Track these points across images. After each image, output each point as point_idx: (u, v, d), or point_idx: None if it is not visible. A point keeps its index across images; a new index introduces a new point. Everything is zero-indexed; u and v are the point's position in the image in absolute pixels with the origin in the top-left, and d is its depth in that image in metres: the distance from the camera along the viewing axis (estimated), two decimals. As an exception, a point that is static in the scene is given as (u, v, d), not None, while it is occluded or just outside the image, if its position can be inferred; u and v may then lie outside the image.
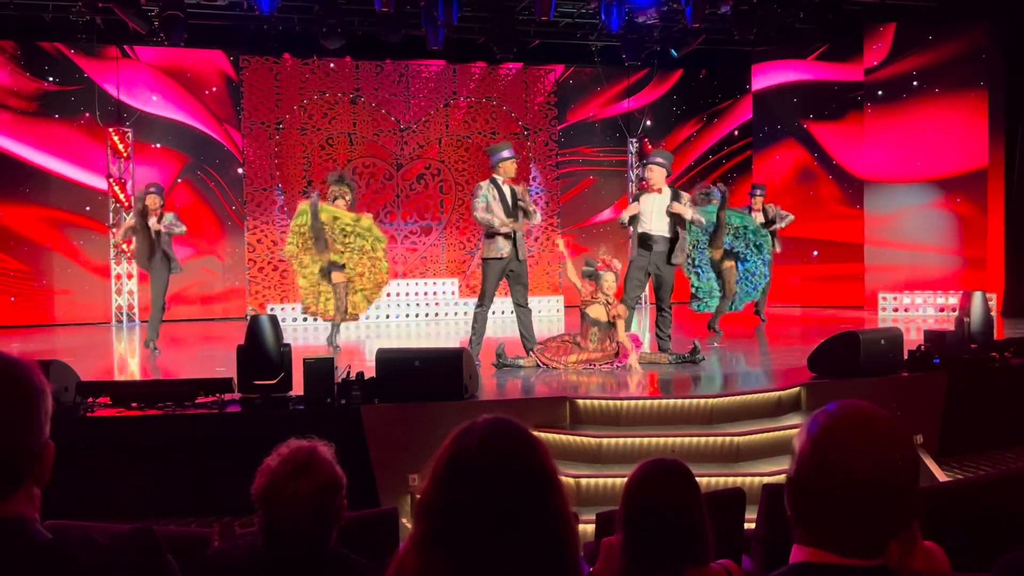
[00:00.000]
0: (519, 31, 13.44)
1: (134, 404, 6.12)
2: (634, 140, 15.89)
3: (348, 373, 6.21)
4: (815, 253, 14.57)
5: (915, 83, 13.26)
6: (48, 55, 13.35)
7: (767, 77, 15.22)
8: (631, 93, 15.88)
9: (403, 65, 14.78)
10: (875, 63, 13.60)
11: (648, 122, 15.94)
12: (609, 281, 8.02)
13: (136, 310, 13.65)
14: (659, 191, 8.39)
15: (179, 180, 13.94)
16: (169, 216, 9.72)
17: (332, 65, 14.48)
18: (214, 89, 14.15)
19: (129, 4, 11.11)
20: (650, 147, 15.79)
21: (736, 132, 16.26)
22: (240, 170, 14.27)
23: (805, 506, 1.39)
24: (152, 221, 9.57)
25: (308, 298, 9.46)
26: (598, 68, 15.40)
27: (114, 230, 13.30)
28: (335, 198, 9.40)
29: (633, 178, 15.98)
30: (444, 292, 14.49)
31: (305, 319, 12.91)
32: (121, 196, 13.32)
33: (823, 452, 1.38)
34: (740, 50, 14.86)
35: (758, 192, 11.15)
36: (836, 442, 1.38)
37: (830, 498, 1.36)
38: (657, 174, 8.43)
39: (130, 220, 9.66)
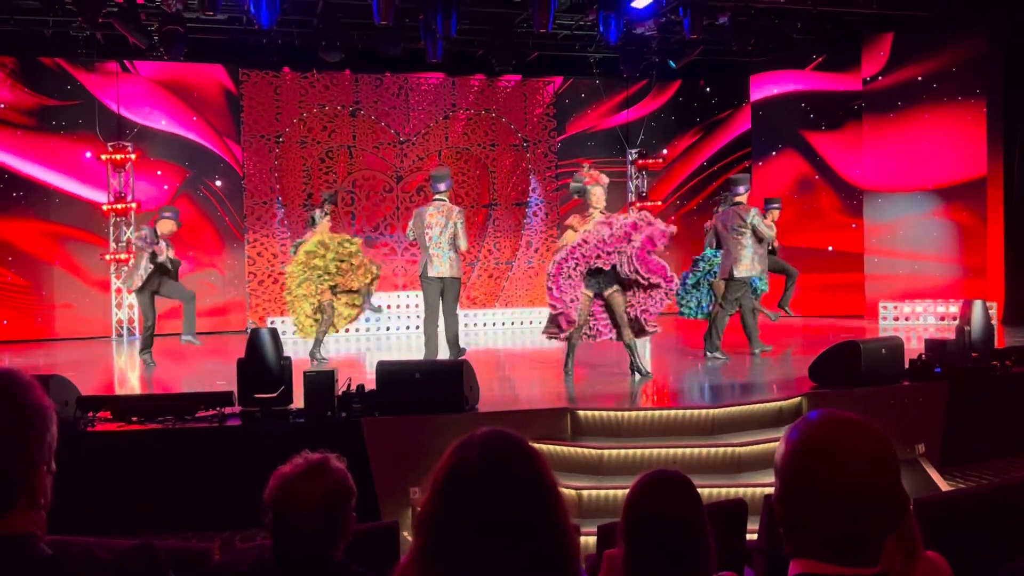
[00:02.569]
0: (518, 43, 13.47)
1: (134, 418, 6.11)
2: (633, 151, 15.92)
3: (348, 386, 6.21)
4: (830, 248, 14.53)
5: (913, 93, 13.29)
6: (48, 70, 13.39)
7: (765, 87, 15.25)
8: (630, 104, 15.92)
9: (402, 78, 14.82)
10: (873, 73, 13.63)
11: (656, 143, 15.97)
12: (598, 194, 7.80)
13: (136, 324, 13.65)
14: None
15: (179, 194, 13.95)
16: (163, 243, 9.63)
17: (329, 87, 14.53)
18: (194, 103, 14.19)
19: (129, 19, 11.15)
20: (645, 160, 15.83)
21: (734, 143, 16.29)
22: (223, 182, 14.28)
23: (792, 517, 1.40)
24: (161, 245, 9.47)
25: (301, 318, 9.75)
26: (597, 80, 15.45)
27: (119, 255, 13.26)
28: (325, 216, 9.87)
29: (632, 189, 16.01)
30: (444, 304, 14.45)
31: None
32: (123, 206, 13.33)
33: (802, 460, 1.40)
34: (738, 61, 14.90)
35: (774, 206, 11.02)
36: (814, 449, 1.39)
37: (814, 506, 1.37)
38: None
39: (144, 264, 9.44)
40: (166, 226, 9.63)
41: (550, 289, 7.69)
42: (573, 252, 7.59)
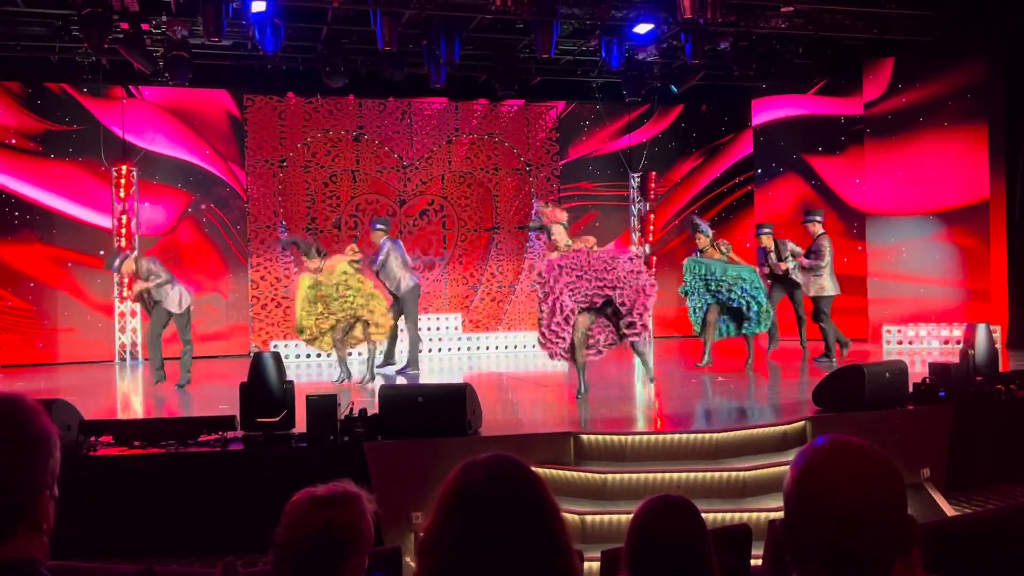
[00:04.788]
0: (520, 68, 13.56)
1: (136, 443, 6.10)
2: (635, 175, 15.97)
3: (351, 410, 6.20)
4: (845, 260, 14.52)
5: (914, 117, 13.32)
6: (54, 95, 13.47)
7: (767, 112, 15.31)
8: (632, 129, 15.98)
9: (406, 103, 14.90)
10: (874, 97, 13.68)
11: (659, 167, 16.02)
12: (559, 231, 8.04)
13: (140, 348, 13.64)
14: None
15: (183, 218, 14.00)
16: (145, 264, 9.91)
17: (333, 112, 14.61)
18: (198, 128, 14.27)
19: (134, 45, 11.23)
20: (653, 183, 15.87)
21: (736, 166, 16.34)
22: (227, 206, 14.33)
23: (798, 543, 1.39)
24: (138, 285, 9.86)
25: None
26: (599, 104, 15.53)
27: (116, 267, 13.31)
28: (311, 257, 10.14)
29: (635, 212, 16.04)
30: (447, 327, 14.48)
31: (309, 355, 12.93)
32: (123, 240, 13.31)
33: (807, 485, 1.39)
34: (740, 85, 14.97)
35: (766, 230, 11.17)
36: (818, 474, 1.39)
37: (819, 531, 1.36)
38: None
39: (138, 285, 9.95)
40: (126, 266, 10.16)
41: (546, 334, 7.99)
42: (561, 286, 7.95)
